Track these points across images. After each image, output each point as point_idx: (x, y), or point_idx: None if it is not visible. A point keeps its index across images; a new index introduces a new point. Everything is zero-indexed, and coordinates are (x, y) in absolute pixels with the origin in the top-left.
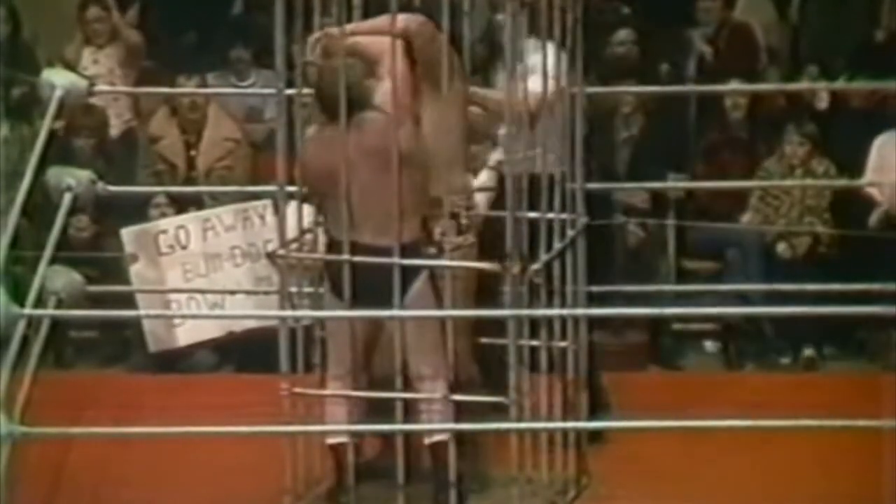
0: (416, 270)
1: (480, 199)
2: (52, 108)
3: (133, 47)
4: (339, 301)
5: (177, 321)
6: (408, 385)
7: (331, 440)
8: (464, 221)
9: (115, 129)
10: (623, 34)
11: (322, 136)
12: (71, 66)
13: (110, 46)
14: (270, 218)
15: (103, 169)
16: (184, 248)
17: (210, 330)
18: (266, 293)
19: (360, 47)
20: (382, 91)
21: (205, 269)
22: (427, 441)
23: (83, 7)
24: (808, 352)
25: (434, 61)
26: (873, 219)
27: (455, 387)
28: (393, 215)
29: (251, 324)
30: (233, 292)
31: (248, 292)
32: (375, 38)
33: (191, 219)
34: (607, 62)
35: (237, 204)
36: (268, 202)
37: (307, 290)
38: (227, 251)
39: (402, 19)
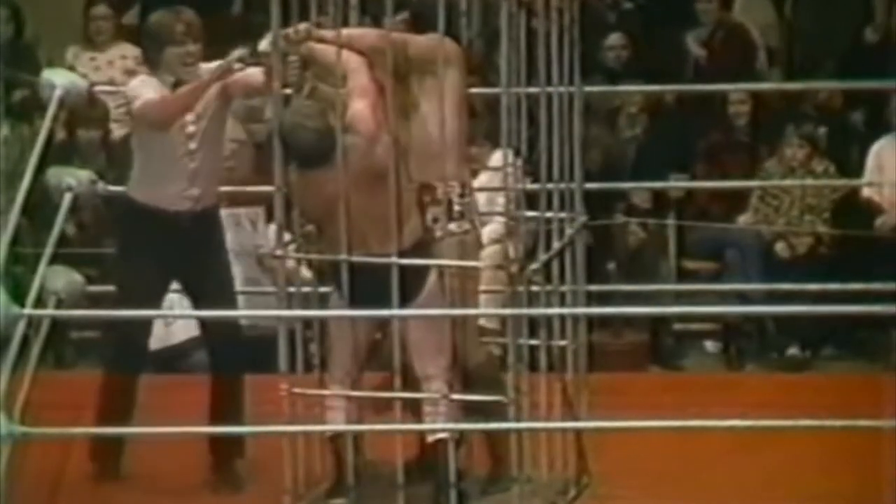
0: (425, 270)
1: (481, 198)
2: (51, 108)
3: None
4: (349, 306)
5: (169, 319)
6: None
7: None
8: (457, 208)
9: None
10: (613, 38)
11: (305, 173)
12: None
13: (113, 48)
14: (262, 225)
15: (106, 167)
16: None
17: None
18: (266, 293)
19: (326, 60)
20: (353, 110)
21: None
22: (430, 439)
23: (91, 3)
24: (792, 350)
25: (417, 59)
26: (878, 223)
27: (462, 385)
28: (392, 223)
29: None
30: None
31: (247, 292)
32: (343, 54)
33: None
34: (598, 66)
35: (230, 209)
36: (260, 210)
37: (305, 289)
38: None
39: (359, 36)
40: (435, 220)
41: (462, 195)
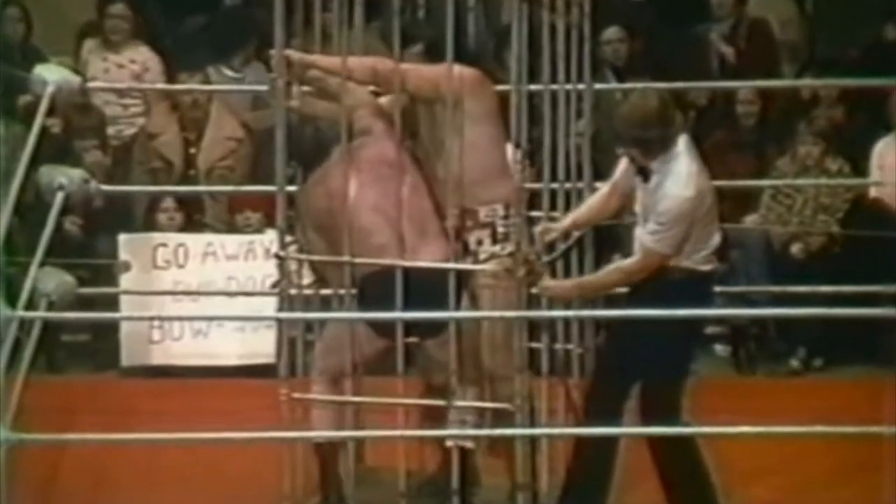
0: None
1: None
2: (43, 105)
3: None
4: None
5: (155, 340)
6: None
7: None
8: (500, 230)
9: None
10: (611, 32)
11: (318, 182)
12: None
13: (127, 50)
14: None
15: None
16: (181, 266)
17: (186, 356)
18: (265, 294)
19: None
20: (359, 116)
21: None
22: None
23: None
24: (795, 363)
25: (418, 91)
26: None
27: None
28: (418, 228)
29: (234, 361)
30: (232, 293)
31: (246, 294)
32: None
33: (194, 238)
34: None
35: (244, 235)
36: (274, 236)
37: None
38: (224, 281)
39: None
40: (479, 243)
41: (506, 216)
